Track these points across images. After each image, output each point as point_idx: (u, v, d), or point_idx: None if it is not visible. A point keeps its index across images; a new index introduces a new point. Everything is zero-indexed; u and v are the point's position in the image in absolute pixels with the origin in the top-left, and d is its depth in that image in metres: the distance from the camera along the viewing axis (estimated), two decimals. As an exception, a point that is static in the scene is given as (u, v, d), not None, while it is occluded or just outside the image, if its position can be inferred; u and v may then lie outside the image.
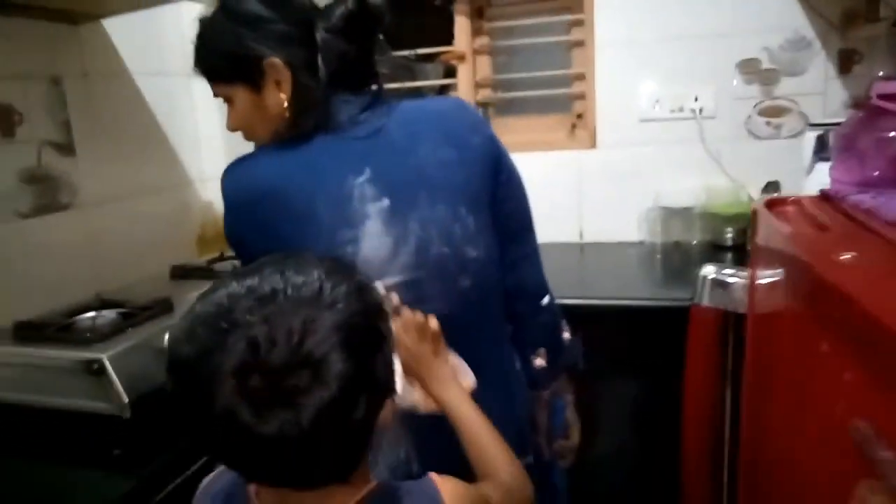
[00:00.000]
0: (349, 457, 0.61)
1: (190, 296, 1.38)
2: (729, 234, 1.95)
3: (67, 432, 1.12)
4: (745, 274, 1.25)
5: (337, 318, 0.57)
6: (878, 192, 0.92)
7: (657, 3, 1.97)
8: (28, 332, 1.20)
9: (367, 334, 0.60)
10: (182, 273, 1.54)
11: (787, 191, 1.89)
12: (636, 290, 1.76)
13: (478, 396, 0.91)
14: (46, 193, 1.50)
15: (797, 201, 1.03)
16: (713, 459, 1.25)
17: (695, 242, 2.02)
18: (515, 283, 1.04)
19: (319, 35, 0.90)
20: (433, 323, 0.87)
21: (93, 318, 1.23)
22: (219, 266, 1.56)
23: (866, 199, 0.90)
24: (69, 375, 1.10)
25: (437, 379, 0.86)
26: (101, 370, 1.07)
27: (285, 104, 0.91)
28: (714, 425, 1.20)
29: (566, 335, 1.11)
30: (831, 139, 1.72)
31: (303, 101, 0.91)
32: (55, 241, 1.51)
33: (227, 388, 0.54)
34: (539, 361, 1.06)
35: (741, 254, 1.91)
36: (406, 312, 0.86)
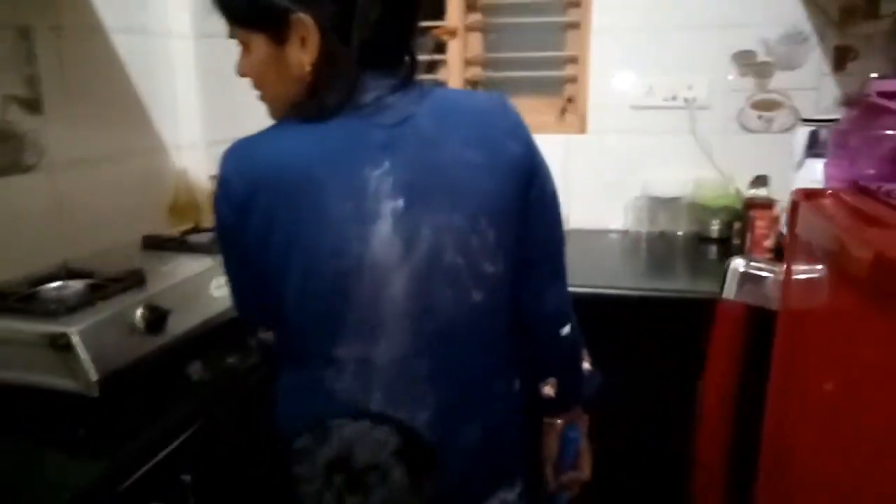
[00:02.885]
0: None
1: (164, 268, 1.31)
2: (715, 227, 1.94)
3: (29, 410, 1.06)
4: (778, 269, 1.19)
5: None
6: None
7: (656, -12, 1.92)
8: (-13, 301, 1.12)
9: None
10: (155, 244, 1.46)
11: (775, 186, 1.88)
12: (619, 279, 1.74)
13: (459, 415, 0.87)
14: (10, 153, 1.41)
15: (835, 194, 0.99)
16: (729, 461, 1.21)
17: (680, 233, 2.01)
18: (537, 308, 0.97)
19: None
20: None
21: (59, 289, 1.16)
22: (193, 238, 1.49)
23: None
24: (32, 349, 1.03)
25: None
26: (68, 345, 1.00)
27: (307, 67, 0.82)
28: (732, 425, 1.17)
29: (586, 365, 1.04)
30: (824, 135, 1.71)
31: (328, 68, 0.82)
32: (19, 204, 1.41)
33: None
34: (547, 390, 1.00)
35: (726, 246, 1.90)
36: None
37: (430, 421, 0.85)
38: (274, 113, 0.91)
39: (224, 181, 0.83)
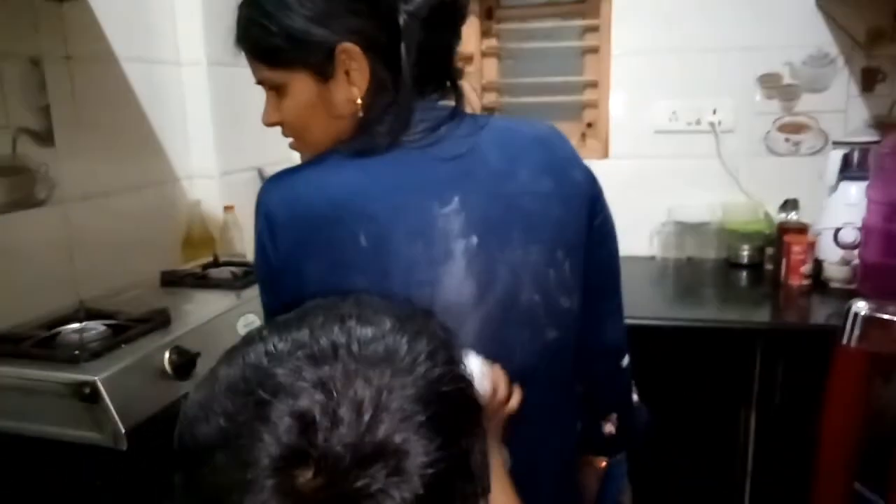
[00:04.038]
0: None
1: (186, 306, 1.24)
2: (745, 252, 1.89)
3: (50, 465, 0.97)
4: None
5: (420, 385, 0.42)
6: None
7: (678, 12, 1.90)
8: (3, 346, 1.03)
9: (458, 409, 0.44)
10: (173, 279, 1.39)
11: (806, 210, 1.84)
12: (648, 307, 1.68)
13: (537, 458, 0.81)
14: (21, 187, 1.33)
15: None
16: None
17: (709, 259, 1.95)
18: (599, 341, 0.90)
19: (402, 18, 0.73)
20: (514, 402, 0.73)
21: (79, 332, 1.08)
22: (214, 272, 1.41)
23: None
24: (52, 399, 0.95)
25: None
26: (94, 394, 0.92)
27: (358, 101, 0.75)
28: (851, 478, 1.09)
29: (635, 397, 0.98)
30: (857, 157, 1.67)
31: (380, 99, 0.75)
32: (30, 240, 1.34)
33: (266, 489, 0.37)
34: (609, 428, 0.93)
35: (758, 272, 1.85)
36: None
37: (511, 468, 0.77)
38: (310, 147, 0.82)
39: (269, 222, 0.74)
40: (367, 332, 0.43)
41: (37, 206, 1.36)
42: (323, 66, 0.74)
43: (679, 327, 1.54)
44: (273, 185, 0.76)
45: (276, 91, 0.78)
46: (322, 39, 0.73)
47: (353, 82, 0.74)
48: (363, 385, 0.40)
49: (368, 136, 0.75)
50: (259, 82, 0.80)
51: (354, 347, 0.42)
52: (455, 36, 0.80)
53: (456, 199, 0.74)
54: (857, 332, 1.04)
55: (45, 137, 1.39)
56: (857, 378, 1.05)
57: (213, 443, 0.40)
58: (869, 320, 1.02)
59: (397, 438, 0.39)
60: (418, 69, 0.75)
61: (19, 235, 1.32)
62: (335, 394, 0.39)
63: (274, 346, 0.43)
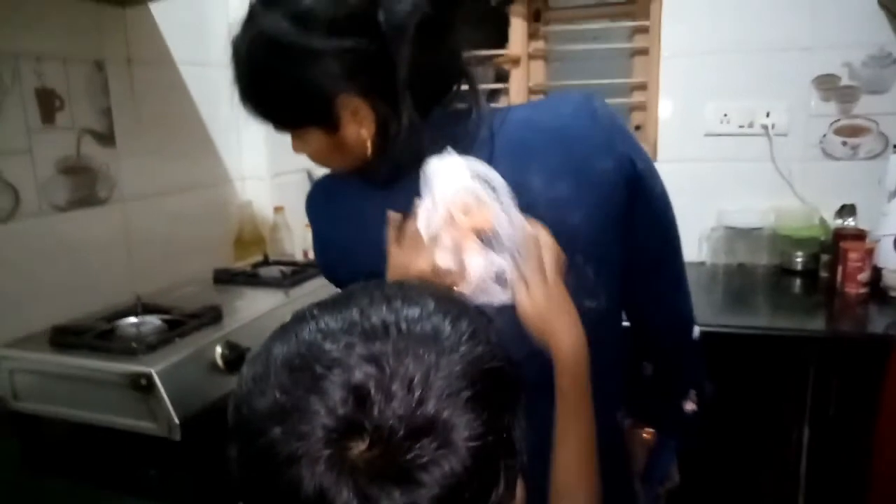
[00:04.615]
0: None
1: (238, 303, 1.27)
2: (799, 259, 1.83)
3: (106, 452, 1.01)
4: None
5: (465, 363, 0.43)
6: None
7: (730, 11, 1.86)
8: (66, 337, 1.08)
9: (500, 385, 0.45)
10: (226, 277, 1.43)
11: (863, 216, 1.77)
12: (696, 314, 1.64)
13: None
14: (84, 186, 1.39)
15: None
16: None
17: (761, 266, 1.90)
18: (665, 316, 0.89)
19: (392, 46, 0.70)
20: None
21: (136, 326, 1.12)
22: (264, 271, 1.45)
23: None
24: (111, 389, 0.99)
25: None
26: (150, 386, 0.96)
27: (368, 141, 0.75)
28: None
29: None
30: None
31: (388, 137, 0.75)
32: (92, 237, 1.39)
33: (322, 460, 0.39)
34: (690, 406, 0.92)
35: (812, 279, 1.80)
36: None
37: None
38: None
39: (312, 218, 0.82)
40: (414, 311, 0.45)
41: (98, 204, 1.42)
42: (327, 120, 0.75)
43: (729, 334, 1.50)
44: (315, 186, 0.83)
45: (293, 134, 0.80)
46: (319, 97, 0.73)
47: (360, 124, 0.75)
48: (413, 362, 0.42)
49: (385, 169, 0.76)
50: (277, 131, 0.81)
51: (403, 326, 0.44)
52: (458, 38, 0.77)
53: None
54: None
55: (107, 138, 1.45)
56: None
57: (268, 415, 0.41)
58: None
59: (445, 413, 0.41)
60: (425, 86, 0.74)
61: (82, 232, 1.37)
62: (388, 369, 0.41)
63: (326, 324, 0.44)
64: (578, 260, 0.76)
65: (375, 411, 0.39)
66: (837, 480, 1.45)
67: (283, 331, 0.46)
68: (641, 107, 2.03)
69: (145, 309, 1.19)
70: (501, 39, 2.10)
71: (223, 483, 0.90)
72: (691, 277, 1.85)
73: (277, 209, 1.84)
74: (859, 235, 1.70)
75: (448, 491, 0.39)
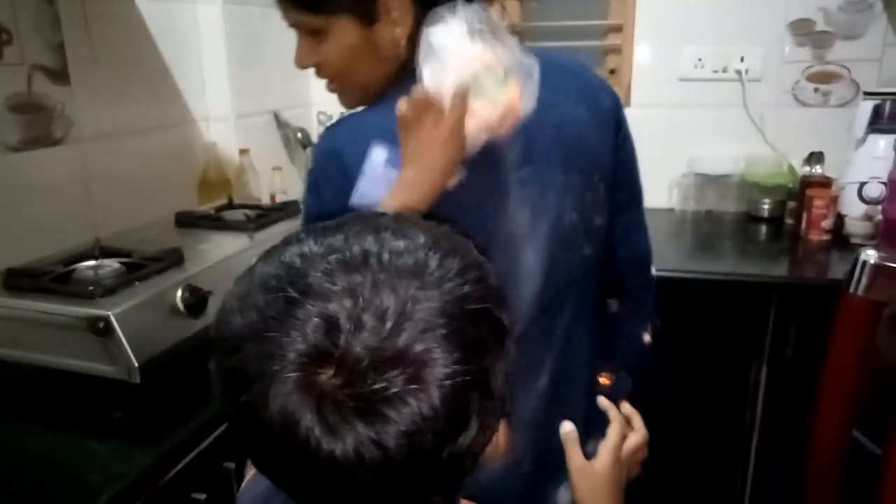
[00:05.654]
0: (442, 494, 0.46)
1: (200, 247, 1.25)
2: (766, 206, 1.85)
3: (66, 396, 1.01)
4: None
5: (446, 300, 0.42)
6: None
7: (708, -48, 1.82)
8: (21, 280, 1.06)
9: (483, 327, 0.44)
10: (188, 220, 1.40)
11: (831, 163, 1.79)
12: (665, 260, 1.66)
13: (574, 370, 0.87)
14: (38, 125, 1.34)
15: None
16: (846, 466, 1.11)
17: (729, 213, 1.92)
18: (630, 253, 0.95)
19: None
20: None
21: (94, 269, 1.10)
22: (228, 214, 1.42)
23: None
24: (68, 332, 0.98)
25: None
26: (108, 329, 0.95)
27: (403, 42, 0.74)
28: (849, 425, 1.08)
29: None
30: (888, 109, 1.61)
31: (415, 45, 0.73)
32: (48, 178, 1.35)
33: (289, 382, 0.39)
34: (647, 338, 0.98)
35: (778, 226, 1.82)
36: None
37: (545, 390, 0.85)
38: (351, 101, 0.83)
39: (336, 157, 0.74)
40: (400, 244, 0.44)
41: (54, 144, 1.37)
42: (367, 10, 0.74)
43: (694, 279, 1.53)
44: (338, 128, 0.78)
45: (312, 35, 0.77)
46: None
47: (397, 23, 0.74)
48: (389, 294, 0.41)
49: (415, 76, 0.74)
50: (293, 26, 0.78)
51: (385, 257, 0.42)
52: None
53: (521, 144, 0.77)
54: (864, 281, 1.02)
55: (60, 75, 1.39)
56: (861, 327, 1.03)
57: (244, 334, 0.41)
58: (878, 269, 1.00)
59: (417, 347, 0.40)
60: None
61: (37, 173, 1.33)
62: (361, 300, 0.40)
63: (309, 248, 0.44)
64: (595, 177, 0.84)
65: (343, 340, 0.39)
66: (791, 417, 1.50)
67: (269, 252, 0.46)
68: (616, 50, 1.99)
69: (104, 252, 1.16)
70: (475, -23, 2.04)
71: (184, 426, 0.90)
72: (660, 224, 1.89)
73: (243, 151, 1.80)
74: (825, 183, 1.71)
75: (413, 427, 0.39)
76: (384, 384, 0.39)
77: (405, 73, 0.75)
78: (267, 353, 0.40)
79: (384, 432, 0.39)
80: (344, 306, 0.40)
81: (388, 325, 0.40)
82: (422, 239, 0.45)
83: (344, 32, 0.75)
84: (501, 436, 0.47)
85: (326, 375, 0.39)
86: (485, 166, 0.75)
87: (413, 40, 0.73)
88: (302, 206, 0.81)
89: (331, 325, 0.39)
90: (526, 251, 0.79)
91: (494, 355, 0.44)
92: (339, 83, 0.82)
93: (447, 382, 0.40)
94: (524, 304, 0.81)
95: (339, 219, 0.48)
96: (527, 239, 0.79)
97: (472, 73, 0.68)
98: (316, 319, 0.40)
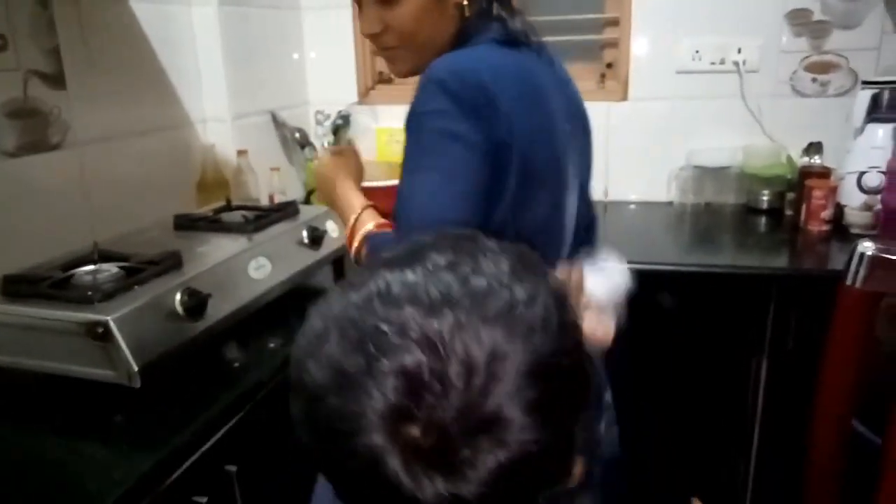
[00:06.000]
0: None
1: (199, 249, 1.25)
2: (765, 197, 1.84)
3: (66, 401, 1.01)
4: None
5: (534, 355, 0.39)
6: None
7: (703, -58, 1.81)
8: (19, 286, 1.06)
9: (571, 385, 0.42)
10: (187, 223, 1.40)
11: (830, 153, 1.78)
12: (664, 253, 1.66)
13: None
14: (34, 130, 1.34)
15: None
16: (846, 461, 1.11)
17: (728, 205, 1.91)
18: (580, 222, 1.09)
19: None
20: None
21: (93, 273, 1.10)
22: (226, 216, 1.42)
23: None
24: (68, 338, 0.98)
25: None
26: (107, 334, 0.95)
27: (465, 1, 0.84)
28: (849, 417, 1.08)
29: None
30: (886, 98, 1.60)
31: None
32: (45, 183, 1.36)
33: (375, 437, 0.38)
34: None
35: (777, 217, 1.82)
36: None
37: None
38: (409, 66, 0.89)
39: (449, 85, 0.77)
40: (481, 282, 0.41)
41: (51, 149, 1.37)
42: None
43: (694, 272, 1.52)
44: (447, 62, 0.81)
45: (381, 1, 0.83)
46: None
47: None
48: (474, 344, 0.38)
49: (517, 26, 0.86)
50: None
51: (469, 301, 0.40)
52: None
53: (560, 94, 0.89)
54: (862, 272, 1.01)
55: (56, 80, 1.39)
56: (860, 319, 1.03)
57: (325, 385, 0.40)
58: (875, 261, 0.99)
59: (504, 412, 0.38)
60: None
61: (35, 179, 1.33)
62: (443, 351, 0.38)
63: (388, 283, 0.41)
64: (590, 144, 1.00)
65: (428, 400, 0.37)
66: (792, 410, 1.50)
67: (351, 283, 0.44)
68: (613, 43, 1.99)
69: (102, 256, 1.17)
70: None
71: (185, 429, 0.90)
72: (660, 217, 1.88)
73: (241, 152, 1.80)
74: (824, 173, 1.71)
75: (492, 487, 0.38)
76: (469, 450, 0.38)
77: (466, 32, 0.86)
78: (350, 408, 0.39)
79: (465, 487, 0.38)
80: (425, 359, 0.38)
81: (476, 384, 0.38)
82: (506, 269, 0.42)
83: None
84: (577, 467, 0.46)
85: (412, 433, 0.38)
86: (562, 115, 0.87)
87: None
88: (431, 138, 0.80)
89: (412, 382, 0.38)
90: (570, 194, 0.90)
91: (581, 409, 0.43)
92: (404, 47, 0.87)
93: (533, 446, 0.39)
94: (566, 236, 0.92)
95: (415, 243, 0.45)
96: (572, 186, 0.90)
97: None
98: (394, 379, 0.38)
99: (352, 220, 0.92)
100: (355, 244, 0.90)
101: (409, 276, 0.41)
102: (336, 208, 1.00)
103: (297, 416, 0.43)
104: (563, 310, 0.43)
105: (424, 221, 0.75)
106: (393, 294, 0.41)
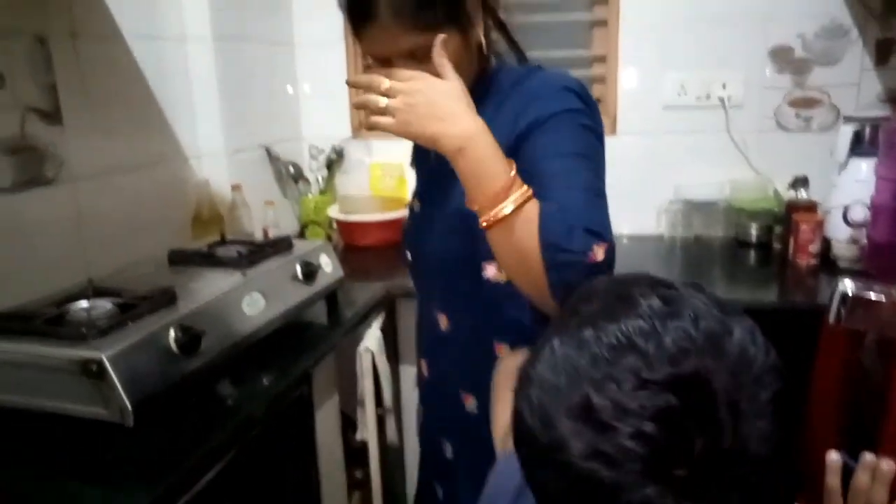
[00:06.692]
0: None
1: (193, 285, 1.25)
2: (753, 231, 1.87)
3: (58, 439, 1.00)
4: (891, 291, 1.09)
5: (769, 399, 0.41)
6: None
7: (688, -17, 1.86)
8: (12, 323, 1.06)
9: (786, 410, 0.43)
10: (181, 258, 1.40)
11: (816, 187, 1.82)
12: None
13: None
14: (30, 166, 1.35)
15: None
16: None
17: (717, 238, 1.94)
18: None
19: None
20: None
21: (87, 310, 1.10)
22: (221, 251, 1.42)
23: None
24: (61, 375, 0.97)
25: None
26: (101, 372, 0.94)
27: (483, 40, 0.89)
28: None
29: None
30: (868, 134, 1.64)
31: (498, 33, 0.96)
32: (40, 219, 1.36)
33: (642, 488, 0.39)
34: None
35: (766, 251, 1.84)
36: None
37: None
38: None
39: (579, 91, 0.93)
40: (711, 325, 0.41)
41: (45, 184, 1.38)
42: (463, 18, 0.84)
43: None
44: (553, 76, 0.96)
45: (412, 56, 0.83)
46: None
47: (476, 25, 0.87)
48: (719, 403, 0.39)
49: (518, 53, 0.99)
50: (407, 54, 0.83)
51: (709, 357, 0.40)
52: None
53: None
54: (843, 311, 1.03)
55: (52, 116, 1.40)
56: (843, 354, 1.04)
57: (571, 451, 0.40)
58: (856, 300, 1.01)
59: (755, 448, 0.41)
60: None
61: (29, 214, 1.34)
62: (680, 423, 0.38)
63: (607, 337, 0.41)
64: None
65: (673, 467, 0.38)
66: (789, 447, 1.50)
67: (563, 325, 0.43)
68: (601, 79, 2.03)
69: (97, 292, 1.16)
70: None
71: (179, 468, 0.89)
72: (650, 250, 1.90)
73: (235, 187, 1.81)
74: (811, 207, 1.74)
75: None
76: (732, 484, 0.40)
77: (484, 72, 0.93)
78: (608, 473, 0.39)
79: None
80: (665, 433, 0.38)
81: (726, 442, 0.39)
82: (725, 316, 0.43)
83: (451, 43, 0.83)
84: None
85: (677, 474, 0.39)
86: None
87: (487, 38, 0.90)
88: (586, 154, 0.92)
89: (656, 454, 0.38)
90: None
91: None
92: None
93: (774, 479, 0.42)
94: None
95: (619, 283, 0.45)
96: None
97: None
98: (633, 444, 0.38)
99: (512, 173, 0.80)
100: (510, 205, 0.79)
101: (629, 321, 0.41)
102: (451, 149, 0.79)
103: (548, 486, 0.42)
104: (767, 342, 0.44)
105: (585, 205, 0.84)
106: (612, 350, 0.40)
